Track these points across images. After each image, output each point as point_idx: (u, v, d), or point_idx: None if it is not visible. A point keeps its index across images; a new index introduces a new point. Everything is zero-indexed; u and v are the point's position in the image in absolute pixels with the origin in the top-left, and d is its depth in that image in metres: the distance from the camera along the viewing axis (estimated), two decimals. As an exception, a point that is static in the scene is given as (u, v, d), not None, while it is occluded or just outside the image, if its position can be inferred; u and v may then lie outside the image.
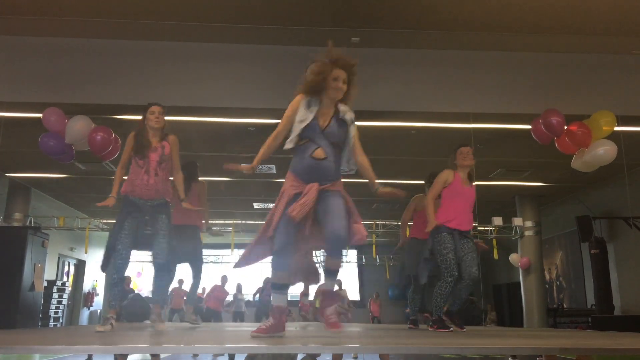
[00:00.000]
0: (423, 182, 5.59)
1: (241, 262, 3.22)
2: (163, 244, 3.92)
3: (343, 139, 3.20)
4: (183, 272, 5.44)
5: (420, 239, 5.03)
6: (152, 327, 4.13)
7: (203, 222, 5.34)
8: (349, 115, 3.24)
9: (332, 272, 3.09)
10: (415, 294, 5.25)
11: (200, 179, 5.40)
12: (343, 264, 3.15)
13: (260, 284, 12.41)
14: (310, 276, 3.75)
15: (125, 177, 4.00)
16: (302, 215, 3.03)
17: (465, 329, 4.51)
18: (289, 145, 3.15)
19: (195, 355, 8.15)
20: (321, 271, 3.87)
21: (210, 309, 11.94)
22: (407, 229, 5.59)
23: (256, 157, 3.22)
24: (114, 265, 3.85)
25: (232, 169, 3.27)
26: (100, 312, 15.79)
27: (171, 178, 4.13)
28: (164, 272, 4.05)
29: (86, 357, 6.55)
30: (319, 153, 3.10)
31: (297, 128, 3.12)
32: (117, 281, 3.89)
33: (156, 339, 2.88)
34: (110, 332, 3.53)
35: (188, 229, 5.13)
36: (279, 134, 3.22)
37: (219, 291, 12.22)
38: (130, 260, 3.93)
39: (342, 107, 3.25)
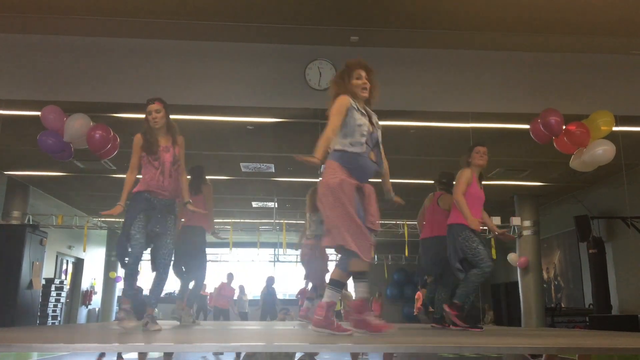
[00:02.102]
0: (422, 181, 5.62)
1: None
2: (170, 244, 3.94)
3: (377, 144, 3.35)
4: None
5: (441, 236, 5.04)
6: (144, 328, 3.89)
7: (208, 224, 5.38)
8: (376, 118, 3.39)
9: (360, 273, 3.27)
10: (443, 293, 5.18)
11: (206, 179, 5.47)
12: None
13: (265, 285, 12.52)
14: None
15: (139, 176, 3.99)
16: None
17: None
18: (357, 149, 3.21)
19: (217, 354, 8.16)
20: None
21: (218, 308, 12.01)
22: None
23: (319, 149, 3.16)
24: (129, 255, 3.82)
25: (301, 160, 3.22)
26: (98, 310, 15.79)
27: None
28: (166, 274, 4.02)
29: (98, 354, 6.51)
30: (373, 156, 3.29)
31: (358, 131, 3.22)
32: (132, 271, 3.87)
33: (154, 338, 2.88)
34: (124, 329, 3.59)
35: (195, 229, 5.17)
36: (336, 130, 3.25)
37: (225, 289, 12.30)
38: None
39: (370, 110, 3.40)
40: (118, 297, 15.78)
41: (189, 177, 5.16)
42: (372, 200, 3.26)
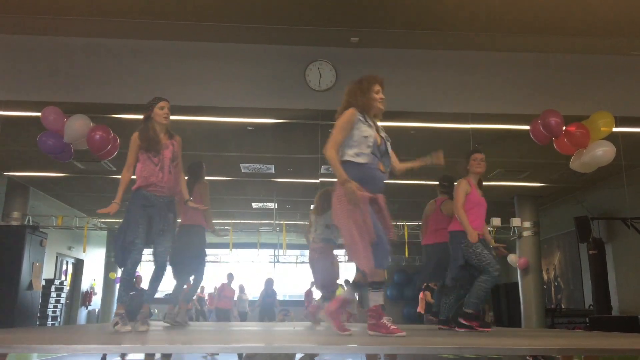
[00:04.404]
0: (422, 182, 5.59)
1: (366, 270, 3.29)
2: (169, 242, 3.91)
3: (385, 154, 3.42)
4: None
5: (444, 242, 5.01)
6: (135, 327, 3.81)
7: (208, 222, 5.35)
8: (384, 133, 3.48)
9: (378, 283, 3.28)
10: (447, 297, 5.09)
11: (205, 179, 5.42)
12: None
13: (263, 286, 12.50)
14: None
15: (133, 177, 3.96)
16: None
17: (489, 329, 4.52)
18: (362, 160, 3.28)
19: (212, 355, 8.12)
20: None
21: (220, 309, 12.03)
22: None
23: (337, 170, 3.26)
24: (130, 259, 3.74)
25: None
26: (98, 311, 15.78)
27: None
28: (164, 271, 3.99)
29: (101, 356, 6.45)
30: (382, 167, 3.36)
31: (364, 143, 3.28)
32: (130, 276, 3.80)
33: (155, 338, 2.88)
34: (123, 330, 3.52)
35: (194, 228, 5.14)
36: (337, 145, 3.34)
37: (226, 290, 12.32)
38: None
39: (379, 125, 3.49)
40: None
41: (186, 177, 5.16)
42: (386, 210, 3.37)
